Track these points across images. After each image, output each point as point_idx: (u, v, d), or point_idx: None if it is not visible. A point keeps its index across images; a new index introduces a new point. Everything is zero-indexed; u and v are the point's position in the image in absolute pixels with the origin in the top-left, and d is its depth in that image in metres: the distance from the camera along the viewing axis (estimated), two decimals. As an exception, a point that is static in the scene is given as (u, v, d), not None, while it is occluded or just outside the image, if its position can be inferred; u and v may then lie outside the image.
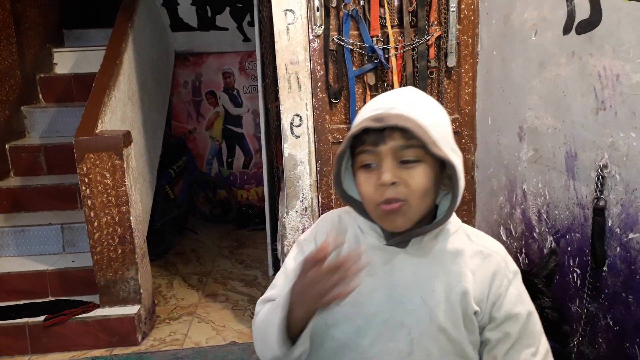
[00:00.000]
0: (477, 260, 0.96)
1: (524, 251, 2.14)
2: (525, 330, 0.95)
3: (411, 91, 0.96)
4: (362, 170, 0.92)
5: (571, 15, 1.72)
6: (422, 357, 0.94)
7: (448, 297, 0.94)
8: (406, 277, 0.95)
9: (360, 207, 0.98)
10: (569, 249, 1.82)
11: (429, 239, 0.96)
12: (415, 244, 0.96)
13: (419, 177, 0.89)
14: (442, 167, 0.93)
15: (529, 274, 1.68)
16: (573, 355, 1.69)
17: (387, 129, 0.88)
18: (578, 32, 1.69)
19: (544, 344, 0.98)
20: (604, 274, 1.63)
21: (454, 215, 0.98)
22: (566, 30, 1.75)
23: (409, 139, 0.88)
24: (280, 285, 1.04)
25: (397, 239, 0.95)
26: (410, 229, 0.94)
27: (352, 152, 0.95)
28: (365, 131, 0.90)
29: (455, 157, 0.91)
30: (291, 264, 1.06)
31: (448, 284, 0.94)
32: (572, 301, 1.80)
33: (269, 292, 1.05)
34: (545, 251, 1.97)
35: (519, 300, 0.96)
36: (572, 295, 1.80)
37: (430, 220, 0.97)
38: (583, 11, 1.65)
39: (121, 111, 3.06)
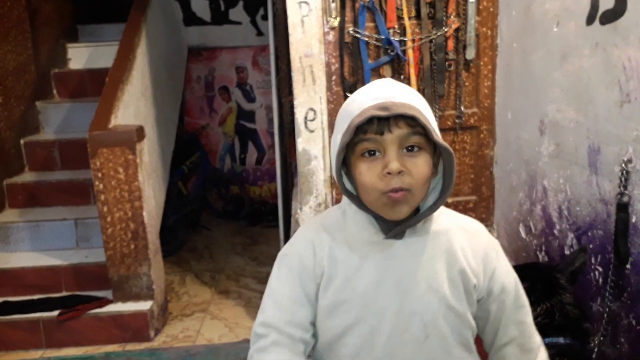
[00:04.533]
0: (466, 237, 1.01)
1: (544, 249, 2.09)
2: (517, 296, 1.04)
3: (395, 81, 0.97)
4: (364, 159, 0.92)
5: (595, 5, 1.66)
6: (436, 338, 0.97)
7: (449, 276, 0.98)
8: (408, 266, 0.97)
9: (355, 199, 0.97)
10: (591, 246, 1.77)
11: (420, 224, 0.98)
12: (409, 231, 0.98)
13: (422, 166, 0.91)
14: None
15: (553, 269, 1.64)
16: (594, 355, 1.64)
17: (393, 118, 0.89)
18: (602, 23, 1.63)
19: (527, 301, 1.07)
20: (627, 271, 1.58)
21: None
22: (589, 20, 1.69)
23: (413, 127, 0.90)
24: (271, 311, 1.00)
25: (396, 230, 0.95)
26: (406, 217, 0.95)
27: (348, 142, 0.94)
28: (368, 120, 0.89)
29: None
30: (277, 285, 1.02)
31: (447, 262, 0.98)
32: (593, 300, 1.76)
33: (261, 318, 1.01)
34: (566, 249, 1.92)
35: (508, 270, 1.04)
36: (593, 293, 1.76)
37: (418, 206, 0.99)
38: (607, 0, 1.60)
39: (134, 106, 3.06)
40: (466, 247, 1.00)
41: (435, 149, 0.95)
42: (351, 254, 0.97)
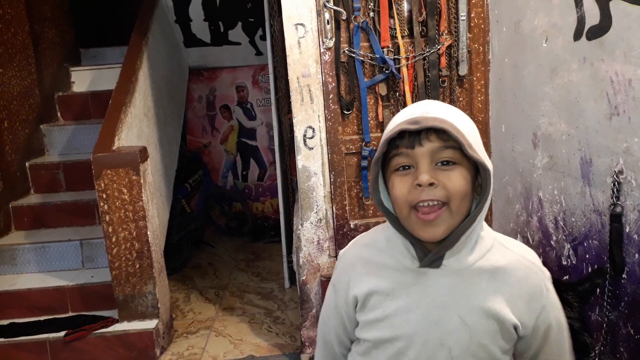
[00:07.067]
0: (515, 277, 0.95)
1: (541, 259, 2.11)
2: (560, 334, 0.99)
3: (438, 101, 0.96)
4: (397, 173, 0.91)
5: (581, 21, 1.71)
6: None
7: (487, 314, 0.93)
8: (441, 297, 0.93)
9: (393, 219, 0.95)
10: (587, 256, 1.79)
11: (465, 254, 0.93)
12: (450, 260, 0.93)
13: (457, 179, 0.88)
14: (476, 173, 0.92)
15: (560, 283, 1.65)
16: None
17: (424, 131, 0.87)
18: (589, 38, 1.68)
19: (570, 344, 1.03)
20: (623, 281, 1.60)
21: (488, 227, 0.98)
22: (577, 36, 1.74)
23: (445, 141, 0.87)
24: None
25: (430, 257, 0.92)
26: (441, 241, 0.91)
27: (384, 158, 0.94)
28: (400, 135, 0.89)
29: (488, 161, 0.91)
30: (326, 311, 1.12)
31: (486, 302, 0.93)
32: (592, 310, 1.77)
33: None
34: (563, 259, 1.94)
35: (555, 305, 0.99)
36: (592, 303, 1.77)
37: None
38: (593, 17, 1.64)
39: (137, 127, 3.11)
40: (514, 286, 0.94)
41: (476, 167, 0.91)
42: (383, 279, 0.97)
